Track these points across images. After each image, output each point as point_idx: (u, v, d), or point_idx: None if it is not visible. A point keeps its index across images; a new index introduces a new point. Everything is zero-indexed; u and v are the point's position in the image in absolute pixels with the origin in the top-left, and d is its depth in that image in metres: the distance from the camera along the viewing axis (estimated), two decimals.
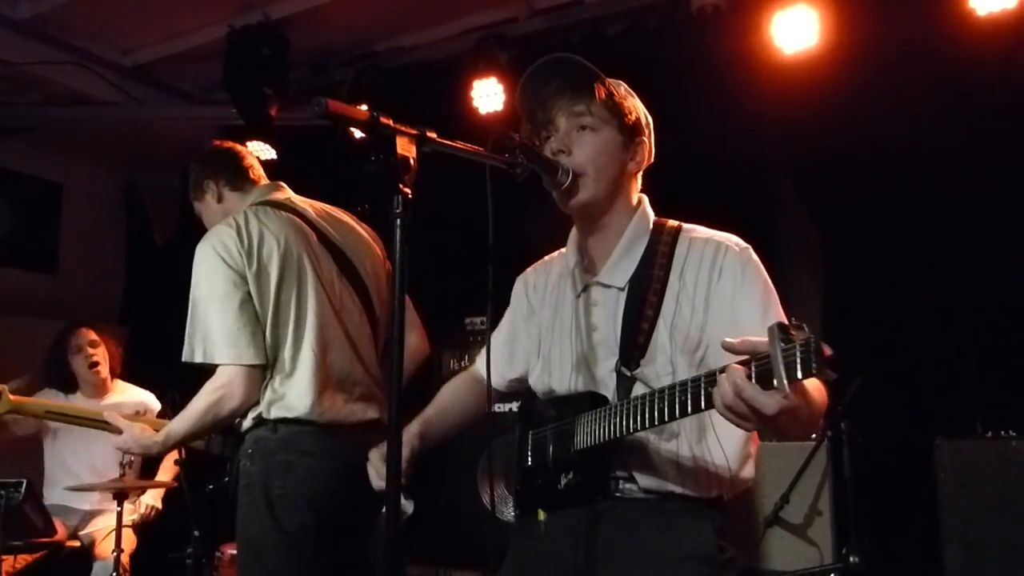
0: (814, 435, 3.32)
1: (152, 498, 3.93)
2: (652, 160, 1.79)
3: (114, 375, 4.05)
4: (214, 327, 2.25)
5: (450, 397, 2.01)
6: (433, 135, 1.29)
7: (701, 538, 1.59)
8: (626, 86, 1.76)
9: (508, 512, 2.03)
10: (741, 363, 1.22)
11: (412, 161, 1.22)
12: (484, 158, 1.43)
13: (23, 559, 3.45)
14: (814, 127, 3.72)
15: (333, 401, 2.35)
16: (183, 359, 2.30)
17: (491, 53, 4.25)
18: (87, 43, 4.74)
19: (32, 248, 5.66)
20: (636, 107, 1.74)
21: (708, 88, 3.84)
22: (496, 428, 1.76)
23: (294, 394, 2.29)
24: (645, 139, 1.75)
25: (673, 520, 1.59)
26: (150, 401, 4.01)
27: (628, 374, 1.60)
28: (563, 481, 1.63)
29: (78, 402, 3.89)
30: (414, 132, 1.25)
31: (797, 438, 1.36)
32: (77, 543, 3.74)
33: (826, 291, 3.89)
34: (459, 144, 1.38)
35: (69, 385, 3.97)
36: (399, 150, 1.21)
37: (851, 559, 3.18)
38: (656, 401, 1.40)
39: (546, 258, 1.93)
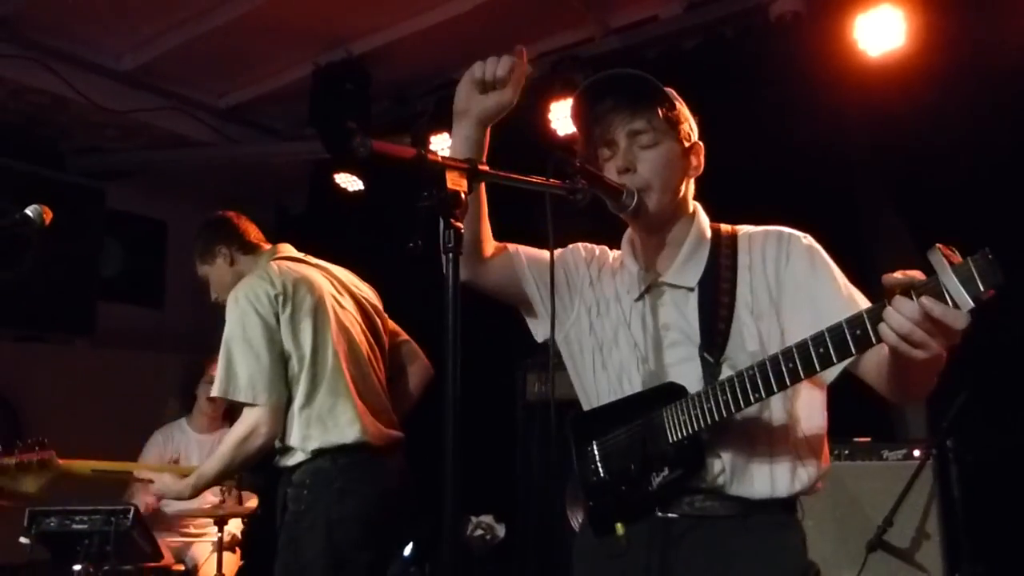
0: (917, 452, 3.17)
1: (234, 526, 4.01)
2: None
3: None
4: (237, 368, 2.52)
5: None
6: (485, 167, 1.29)
7: (789, 555, 1.59)
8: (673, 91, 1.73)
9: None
10: (901, 295, 1.20)
11: (463, 195, 1.23)
12: (543, 187, 1.42)
13: None
14: (906, 129, 3.56)
15: (374, 425, 2.64)
16: (211, 394, 2.61)
17: (567, 75, 4.24)
18: (185, 89, 5.02)
19: (141, 284, 5.98)
20: (688, 113, 1.73)
21: (792, 95, 3.73)
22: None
23: (343, 421, 2.57)
24: (700, 143, 1.74)
25: (760, 538, 1.56)
26: None
27: (713, 360, 1.58)
28: (655, 481, 1.58)
29: (184, 430, 4.11)
30: (464, 166, 1.26)
31: (922, 389, 1.45)
32: (182, 567, 3.91)
33: None
34: (515, 175, 1.37)
35: (186, 409, 4.19)
36: (449, 184, 1.22)
37: None
38: (779, 363, 1.39)
39: (598, 249, 1.89)
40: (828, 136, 3.69)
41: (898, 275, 1.23)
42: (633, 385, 1.67)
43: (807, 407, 1.62)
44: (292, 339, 2.59)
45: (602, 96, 1.67)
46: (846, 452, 3.31)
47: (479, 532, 4.20)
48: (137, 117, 4.94)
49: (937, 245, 1.18)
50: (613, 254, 1.86)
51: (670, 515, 1.59)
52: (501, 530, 4.20)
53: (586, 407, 1.80)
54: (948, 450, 3.13)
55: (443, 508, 1.17)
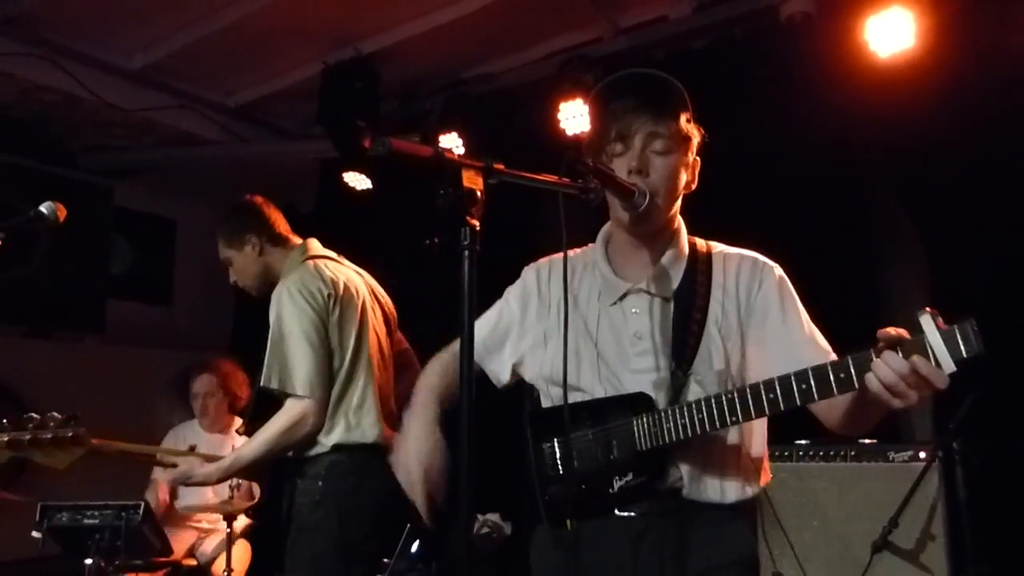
0: (923, 453, 3.17)
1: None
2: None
3: (236, 411, 4.17)
4: (296, 362, 2.56)
5: (448, 388, 1.89)
6: (500, 166, 1.30)
7: (740, 542, 1.67)
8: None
9: None
10: (886, 348, 1.31)
11: (479, 193, 1.24)
12: (556, 187, 1.43)
13: None
14: (916, 130, 3.56)
15: (387, 428, 2.70)
16: (261, 384, 2.60)
17: (576, 75, 4.25)
18: (194, 87, 5.05)
19: (150, 282, 6.02)
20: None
21: (802, 96, 3.74)
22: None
23: (367, 422, 2.65)
24: (698, 159, 1.76)
25: (712, 527, 1.63)
26: None
27: (681, 373, 1.63)
28: (616, 485, 1.63)
29: (196, 431, 4.14)
30: (480, 165, 1.27)
31: (870, 427, 1.57)
32: (194, 561, 3.93)
33: (934, 301, 3.69)
34: (528, 174, 1.39)
35: (187, 412, 4.22)
36: (465, 183, 1.23)
37: None
38: (760, 393, 1.47)
39: (557, 256, 1.85)
40: (837, 137, 3.70)
41: (890, 330, 1.34)
42: (593, 392, 1.68)
43: (757, 430, 1.70)
44: (338, 338, 2.66)
45: (629, 93, 1.67)
46: (852, 453, 3.31)
47: (485, 530, 4.22)
48: (146, 115, 4.97)
49: (927, 308, 1.30)
50: (572, 256, 1.83)
51: (627, 514, 1.64)
52: (508, 528, 4.21)
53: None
54: (954, 452, 3.12)
55: (459, 506, 1.18)
